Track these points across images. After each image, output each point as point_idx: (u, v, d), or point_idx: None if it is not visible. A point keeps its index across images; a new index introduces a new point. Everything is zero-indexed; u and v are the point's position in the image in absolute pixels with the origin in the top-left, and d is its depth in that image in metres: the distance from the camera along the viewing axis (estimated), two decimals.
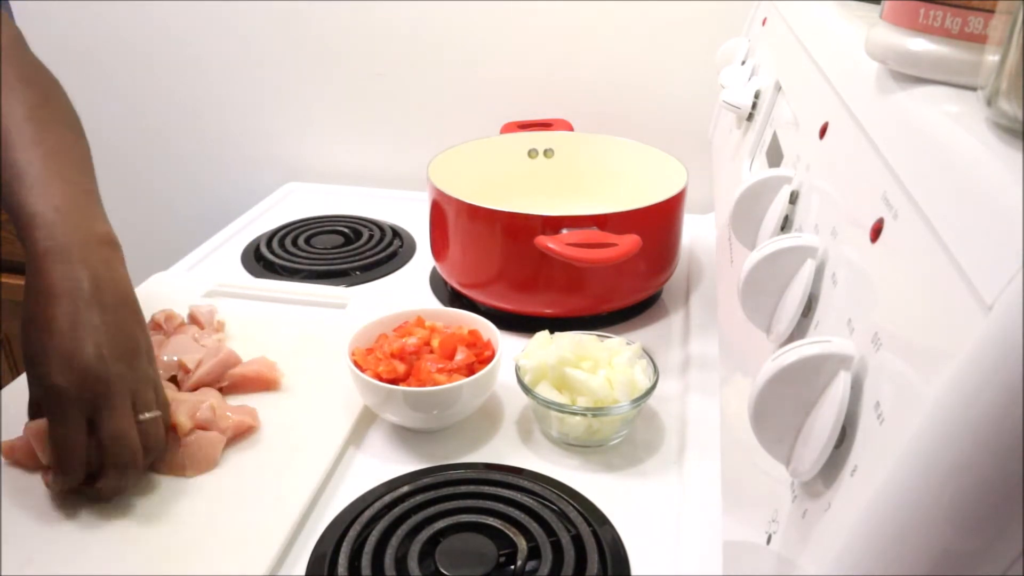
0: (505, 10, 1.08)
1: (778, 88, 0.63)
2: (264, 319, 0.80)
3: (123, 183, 1.31)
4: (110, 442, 0.53)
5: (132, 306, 0.57)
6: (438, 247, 0.85)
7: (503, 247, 0.77)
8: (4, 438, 0.62)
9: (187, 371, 0.67)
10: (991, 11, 0.29)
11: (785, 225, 0.46)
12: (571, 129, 1.02)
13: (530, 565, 0.51)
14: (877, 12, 0.37)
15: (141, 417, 0.55)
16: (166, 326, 0.74)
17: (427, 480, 0.59)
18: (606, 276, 0.77)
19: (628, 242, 0.71)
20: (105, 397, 0.52)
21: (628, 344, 0.67)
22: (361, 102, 1.18)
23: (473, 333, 0.69)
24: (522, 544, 0.52)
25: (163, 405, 0.58)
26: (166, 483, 0.59)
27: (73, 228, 0.55)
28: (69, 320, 0.52)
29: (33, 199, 0.55)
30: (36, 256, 0.54)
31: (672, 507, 0.58)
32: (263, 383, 0.69)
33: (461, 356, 0.66)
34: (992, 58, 0.26)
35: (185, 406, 0.62)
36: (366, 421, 0.67)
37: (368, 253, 0.97)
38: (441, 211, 0.81)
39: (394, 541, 0.53)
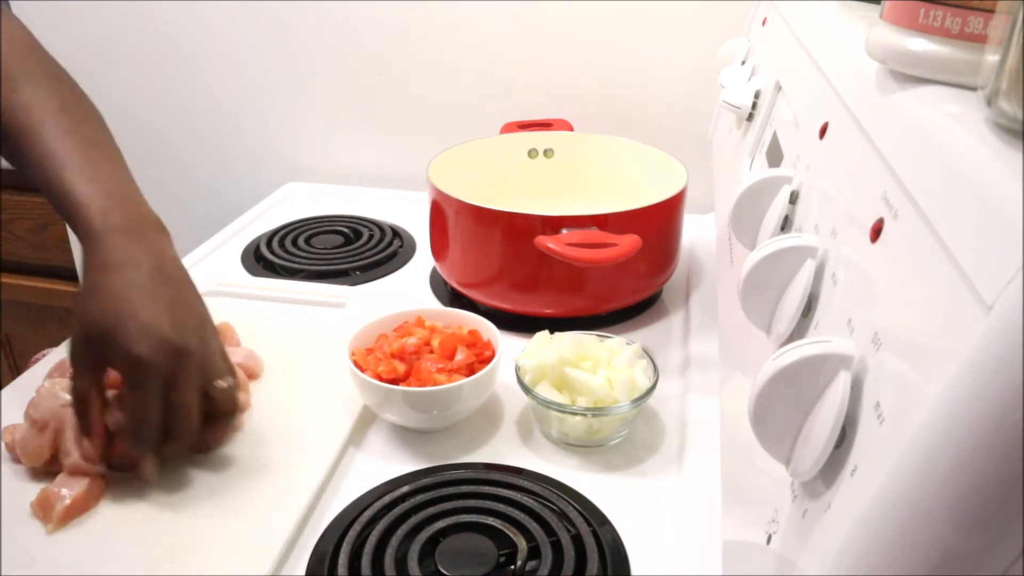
0: (505, 10, 1.07)
1: (778, 88, 0.63)
2: (264, 319, 0.80)
3: None
4: (178, 411, 0.55)
5: (191, 282, 0.59)
6: (438, 247, 0.85)
7: (503, 247, 0.77)
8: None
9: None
10: (991, 11, 0.29)
11: (785, 225, 0.46)
12: (571, 129, 1.02)
13: (530, 565, 0.51)
14: (877, 12, 0.37)
15: (218, 384, 0.57)
16: None
17: (427, 480, 0.59)
18: (606, 276, 0.77)
19: (628, 242, 0.71)
20: (182, 368, 0.54)
21: (628, 344, 0.67)
22: (361, 102, 1.18)
23: (473, 333, 0.69)
24: (522, 544, 0.52)
25: (233, 372, 0.60)
26: (166, 483, 0.59)
27: (127, 211, 0.57)
28: (143, 292, 0.54)
29: (82, 185, 0.57)
30: (95, 235, 0.56)
31: (672, 507, 0.58)
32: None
33: (461, 356, 0.66)
34: (992, 58, 0.26)
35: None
36: (366, 421, 0.67)
37: (368, 253, 0.96)
38: (441, 211, 0.81)
39: (394, 541, 0.53)
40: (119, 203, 0.57)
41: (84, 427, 0.57)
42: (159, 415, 0.54)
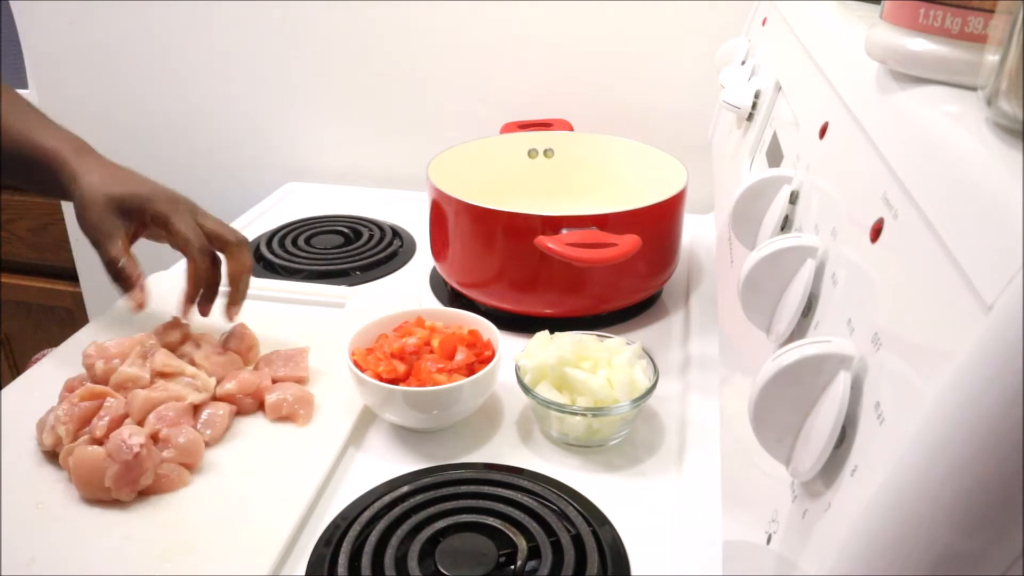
0: (505, 10, 1.07)
1: (778, 88, 0.63)
2: (264, 319, 0.80)
3: None
4: (216, 227, 0.73)
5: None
6: (438, 247, 0.85)
7: (503, 247, 0.77)
8: (5, 437, 0.62)
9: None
10: (991, 11, 0.29)
11: (785, 225, 0.46)
12: (571, 129, 1.02)
13: (530, 565, 0.51)
14: (877, 12, 0.37)
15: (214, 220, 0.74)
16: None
17: (427, 480, 0.59)
18: (606, 276, 0.77)
19: (628, 242, 0.71)
20: (193, 205, 0.73)
21: (628, 344, 0.67)
22: (361, 102, 1.18)
23: (473, 333, 0.69)
24: (522, 544, 0.52)
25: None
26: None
27: (90, 151, 0.75)
28: (136, 174, 0.73)
29: (48, 139, 0.73)
30: (74, 157, 0.72)
31: (672, 507, 0.58)
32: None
33: (461, 356, 0.66)
34: (992, 58, 0.26)
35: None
36: (366, 421, 0.67)
37: (368, 253, 0.96)
38: (441, 211, 0.81)
39: (394, 541, 0.53)
40: (83, 145, 0.75)
41: (128, 282, 0.70)
42: (198, 229, 0.71)
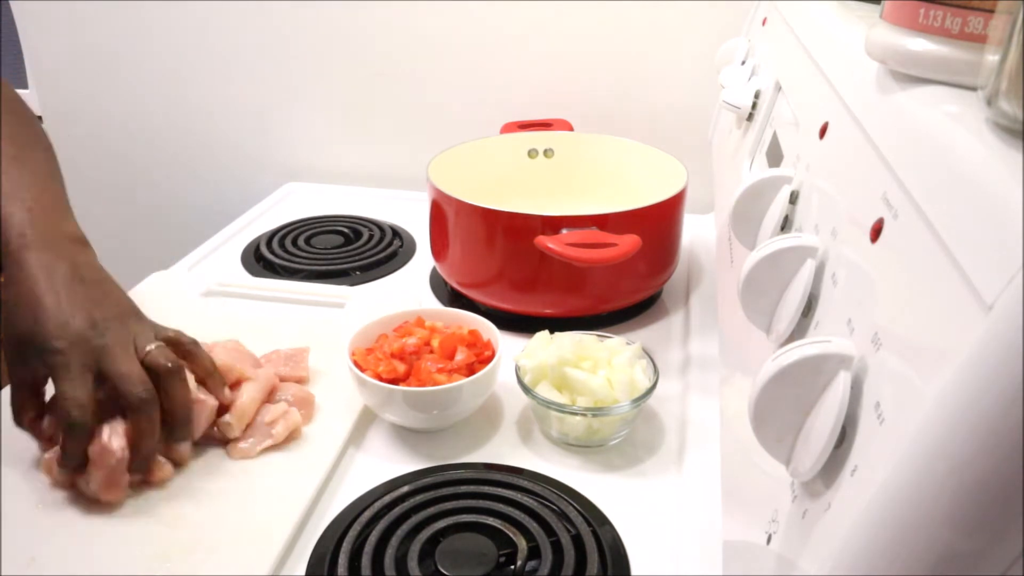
0: (505, 10, 1.07)
1: (778, 88, 0.63)
2: (264, 319, 0.80)
3: (124, 183, 1.31)
4: (119, 381, 0.55)
5: (112, 282, 0.61)
6: (438, 247, 0.85)
7: (503, 247, 0.77)
8: (5, 438, 0.62)
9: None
10: (991, 11, 0.29)
11: (785, 225, 0.46)
12: (571, 129, 1.02)
13: (530, 565, 0.51)
14: (877, 12, 0.37)
15: (147, 348, 0.57)
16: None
17: (427, 480, 0.59)
18: (606, 276, 0.77)
19: (628, 242, 0.71)
20: (104, 348, 0.56)
21: (628, 344, 0.67)
22: (361, 102, 1.18)
23: (473, 333, 0.69)
24: (522, 544, 0.52)
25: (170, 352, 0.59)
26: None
27: (45, 225, 0.60)
28: (55, 296, 0.56)
29: (6, 203, 0.60)
30: (12, 251, 0.58)
31: (672, 507, 0.58)
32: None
33: (461, 356, 0.66)
34: (992, 58, 0.26)
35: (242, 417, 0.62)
36: (366, 421, 0.67)
37: (368, 253, 0.97)
38: (441, 211, 0.81)
39: (394, 541, 0.53)
40: (38, 218, 0.60)
41: (37, 435, 0.59)
42: (90, 398, 0.55)
